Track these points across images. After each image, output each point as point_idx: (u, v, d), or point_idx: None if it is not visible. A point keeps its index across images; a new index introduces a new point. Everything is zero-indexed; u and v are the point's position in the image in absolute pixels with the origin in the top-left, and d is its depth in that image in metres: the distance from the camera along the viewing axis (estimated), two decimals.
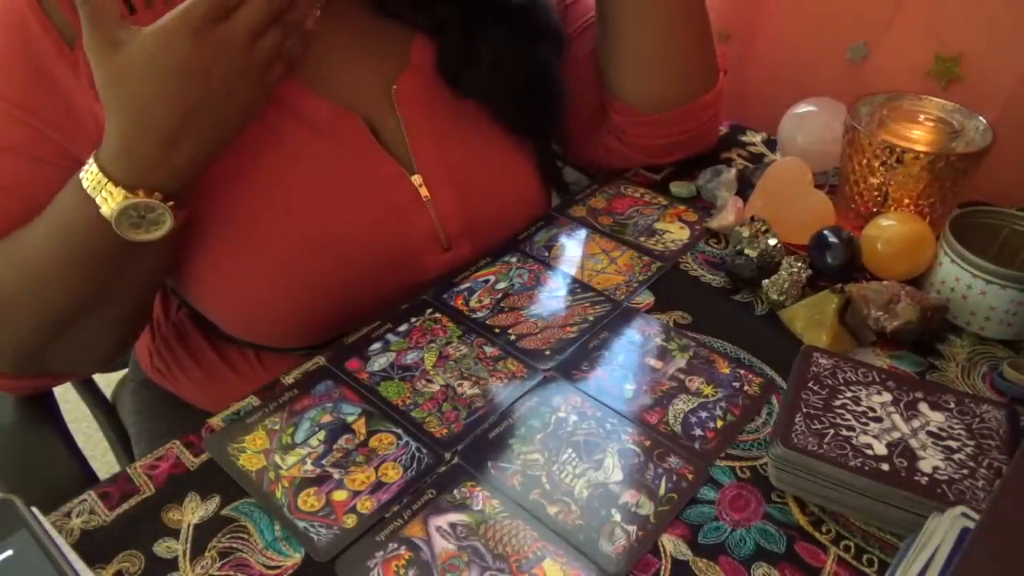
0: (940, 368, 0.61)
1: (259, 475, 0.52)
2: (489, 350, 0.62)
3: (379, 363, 0.61)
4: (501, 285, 0.68)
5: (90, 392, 0.89)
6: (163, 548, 0.48)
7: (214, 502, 0.51)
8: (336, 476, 0.52)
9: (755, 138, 0.91)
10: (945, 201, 0.70)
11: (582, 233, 0.75)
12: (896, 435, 0.50)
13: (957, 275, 0.63)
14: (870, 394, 0.53)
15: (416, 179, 0.68)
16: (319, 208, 0.64)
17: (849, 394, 0.53)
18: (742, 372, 0.60)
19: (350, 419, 0.56)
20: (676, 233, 0.75)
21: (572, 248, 0.73)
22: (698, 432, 0.55)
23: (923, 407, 0.52)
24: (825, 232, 0.68)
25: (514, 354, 0.61)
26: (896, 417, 0.52)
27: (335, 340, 0.65)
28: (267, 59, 0.53)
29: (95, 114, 0.53)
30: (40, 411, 0.71)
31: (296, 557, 0.47)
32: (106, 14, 0.50)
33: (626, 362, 0.60)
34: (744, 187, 0.79)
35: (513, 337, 0.63)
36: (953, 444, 0.50)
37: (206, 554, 0.48)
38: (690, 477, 0.52)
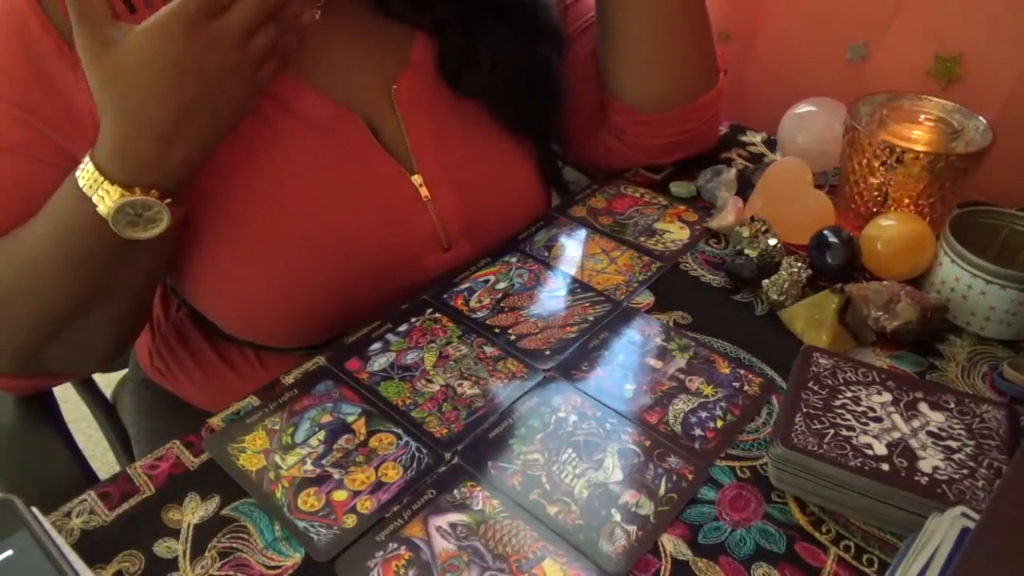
0: (940, 368, 0.61)
1: (259, 475, 0.52)
2: (489, 350, 0.62)
3: (379, 363, 0.61)
4: (501, 285, 0.68)
5: (90, 392, 0.89)
6: (163, 548, 0.48)
7: (214, 502, 0.51)
8: (336, 476, 0.52)
9: (755, 138, 0.91)
10: (945, 201, 0.70)
11: (582, 233, 0.75)
12: (896, 435, 0.50)
13: (957, 275, 0.63)
14: (870, 394, 0.53)
15: (416, 179, 0.68)
16: (318, 208, 0.64)
17: (849, 394, 0.53)
18: (742, 372, 0.60)
19: (350, 419, 0.56)
20: (676, 233, 0.75)
21: (572, 248, 0.73)
22: (698, 432, 0.55)
23: (923, 407, 0.52)
24: (825, 232, 0.68)
25: (514, 354, 0.61)
26: (896, 417, 0.52)
27: (335, 340, 0.65)
28: (261, 56, 0.53)
29: (94, 114, 0.53)
30: (40, 411, 0.71)
31: (296, 557, 0.47)
32: (96, 14, 0.50)
33: (626, 362, 0.60)
34: (744, 187, 0.79)
35: (513, 337, 0.63)
36: (953, 444, 0.50)
37: (206, 554, 0.48)
38: (690, 477, 0.52)
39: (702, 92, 0.78)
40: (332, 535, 0.48)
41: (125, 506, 0.50)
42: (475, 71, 0.68)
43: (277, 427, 0.55)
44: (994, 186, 0.74)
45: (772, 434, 0.53)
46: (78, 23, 0.49)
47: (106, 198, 0.53)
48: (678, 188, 0.81)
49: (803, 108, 0.82)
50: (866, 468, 0.48)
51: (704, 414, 0.56)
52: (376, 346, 0.62)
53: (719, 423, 0.56)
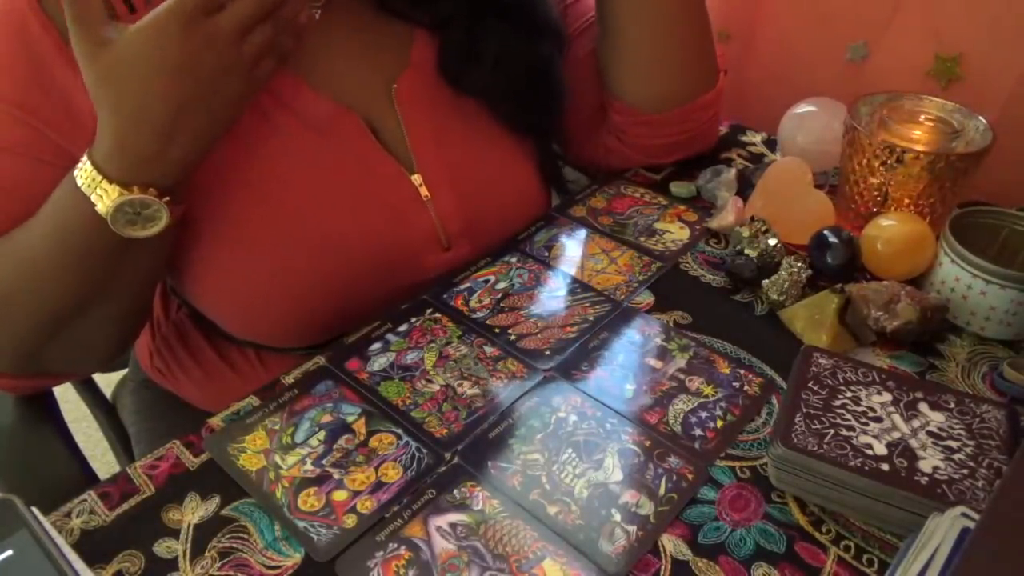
0: (940, 368, 0.61)
1: (259, 475, 0.52)
2: (489, 350, 0.62)
3: (379, 363, 0.61)
4: (501, 285, 0.68)
5: (90, 392, 0.89)
6: (163, 548, 0.48)
7: (214, 502, 0.51)
8: (336, 476, 0.52)
9: (755, 138, 0.91)
10: (945, 201, 0.70)
11: (582, 233, 0.75)
12: (896, 435, 0.50)
13: (957, 275, 0.63)
14: (870, 394, 0.53)
15: (416, 179, 0.68)
16: (317, 207, 0.64)
17: (849, 394, 0.53)
18: (742, 372, 0.60)
19: (350, 419, 0.56)
20: (676, 233, 0.75)
21: (572, 248, 0.73)
22: (698, 432, 0.55)
23: (923, 407, 0.52)
24: (825, 232, 0.68)
25: (514, 354, 0.61)
26: (896, 417, 0.52)
27: (335, 340, 0.65)
28: (257, 54, 0.53)
29: (94, 114, 0.53)
30: (40, 411, 0.71)
31: (296, 557, 0.47)
32: (91, 14, 0.50)
33: (626, 362, 0.60)
34: (744, 187, 0.79)
35: (513, 337, 0.63)
36: (953, 444, 0.50)
37: (206, 554, 0.48)
38: (690, 477, 0.52)
39: (702, 92, 0.78)
40: (332, 535, 0.48)
41: (125, 506, 0.50)
42: (477, 68, 0.68)
43: (277, 427, 0.55)
44: (994, 186, 0.74)
45: (772, 434, 0.53)
46: (73, 23, 0.50)
47: (104, 197, 0.53)
48: (678, 188, 0.81)
49: (803, 108, 0.82)
50: (866, 468, 0.48)
51: (704, 414, 0.56)
52: (376, 346, 0.62)
53: (719, 423, 0.56)
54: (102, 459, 1.38)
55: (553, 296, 0.67)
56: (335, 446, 0.54)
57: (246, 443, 0.54)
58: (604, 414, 0.56)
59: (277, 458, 0.53)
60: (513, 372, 0.60)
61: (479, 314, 0.65)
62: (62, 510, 0.50)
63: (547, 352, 0.61)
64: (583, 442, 0.54)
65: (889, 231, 0.67)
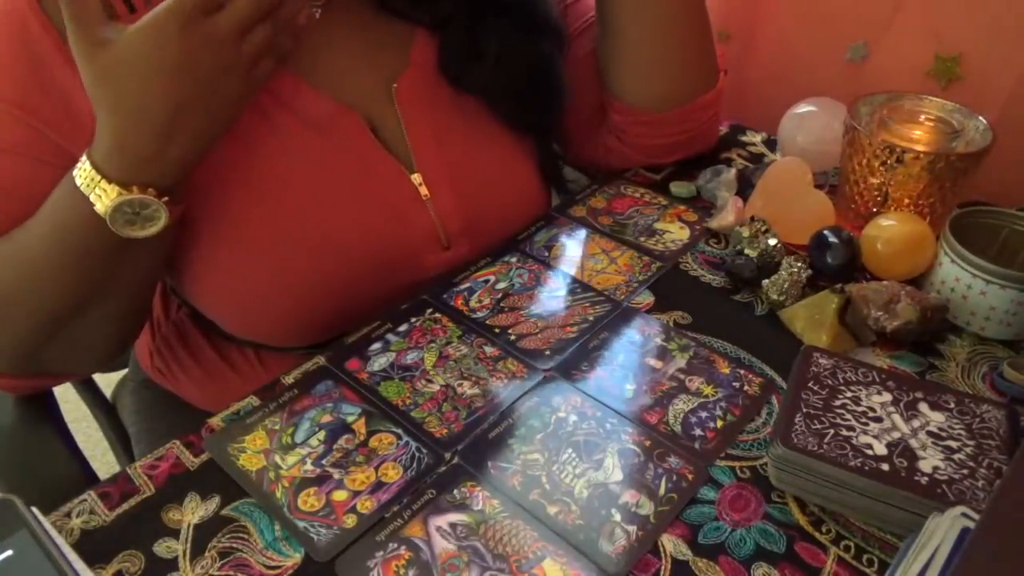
0: (940, 368, 0.61)
1: (259, 475, 0.52)
2: (489, 350, 0.62)
3: (379, 363, 0.61)
4: (501, 285, 0.68)
5: (90, 392, 0.89)
6: (163, 548, 0.48)
7: (214, 502, 0.51)
8: (336, 476, 0.52)
9: (755, 138, 0.91)
10: (945, 201, 0.70)
11: (582, 233, 0.75)
12: (896, 435, 0.50)
13: (957, 275, 0.63)
14: (870, 394, 0.53)
15: (416, 178, 0.68)
16: (317, 207, 0.64)
17: (849, 394, 0.53)
18: (742, 372, 0.60)
19: (350, 419, 0.56)
20: (676, 233, 0.75)
21: (572, 248, 0.73)
22: (698, 432, 0.55)
23: (923, 407, 0.52)
24: (825, 232, 0.68)
25: (514, 354, 0.61)
26: (896, 417, 0.52)
27: (335, 340, 0.65)
28: (256, 54, 0.53)
29: (94, 114, 0.53)
30: (40, 411, 0.71)
31: (296, 557, 0.47)
32: (89, 15, 0.50)
33: (626, 362, 0.60)
34: (744, 187, 0.79)
35: (513, 337, 0.63)
36: (953, 444, 0.50)
37: (206, 554, 0.48)
38: (690, 477, 0.52)
39: (702, 92, 0.78)
40: (332, 535, 0.48)
41: (125, 506, 0.50)
42: (477, 67, 0.69)
43: (277, 427, 0.55)
44: (994, 186, 0.74)
45: (772, 434, 0.52)
46: (71, 23, 0.50)
47: (103, 197, 0.53)
48: (678, 188, 0.81)
49: (803, 108, 0.82)
50: (866, 468, 0.48)
51: (704, 414, 0.56)
52: (376, 346, 0.62)
53: (719, 423, 0.56)
54: (102, 459, 1.38)
55: (553, 296, 0.67)
56: (335, 446, 0.54)
57: (246, 443, 0.54)
58: (604, 414, 0.56)
59: (277, 458, 0.53)
60: (513, 372, 0.60)
61: (479, 314, 0.65)
62: (62, 510, 0.50)
63: (547, 352, 0.61)
64: (583, 442, 0.54)
65: (889, 231, 0.67)
